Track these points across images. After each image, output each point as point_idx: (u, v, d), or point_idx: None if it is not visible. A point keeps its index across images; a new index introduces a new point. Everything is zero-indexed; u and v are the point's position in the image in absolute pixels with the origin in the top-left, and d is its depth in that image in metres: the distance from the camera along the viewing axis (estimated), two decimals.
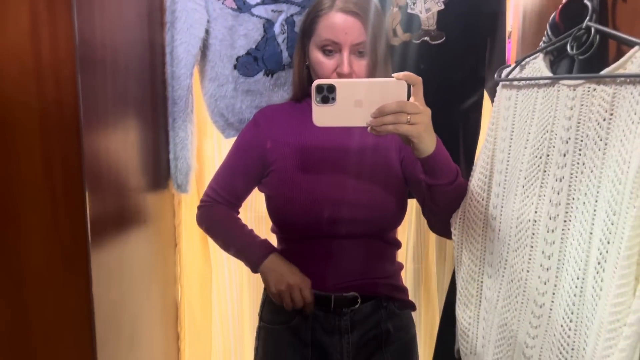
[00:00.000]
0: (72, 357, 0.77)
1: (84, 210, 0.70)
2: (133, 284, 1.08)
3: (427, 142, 0.93)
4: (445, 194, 1.04)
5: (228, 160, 1.22)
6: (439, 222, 1.11)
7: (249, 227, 1.21)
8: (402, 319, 1.18)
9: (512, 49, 1.39)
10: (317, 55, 1.08)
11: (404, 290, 1.21)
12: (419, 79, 0.91)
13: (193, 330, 1.76)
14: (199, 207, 1.25)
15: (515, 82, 1.00)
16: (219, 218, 1.22)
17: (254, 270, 1.14)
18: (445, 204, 1.07)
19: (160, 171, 1.30)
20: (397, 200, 1.13)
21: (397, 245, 1.21)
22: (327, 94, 0.92)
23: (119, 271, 0.96)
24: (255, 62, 1.31)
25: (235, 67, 1.31)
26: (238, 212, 1.25)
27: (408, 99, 0.92)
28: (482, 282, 1.06)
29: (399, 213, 1.15)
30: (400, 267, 1.23)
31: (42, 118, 0.68)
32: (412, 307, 1.22)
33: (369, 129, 0.91)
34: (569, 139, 0.87)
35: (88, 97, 0.72)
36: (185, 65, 1.27)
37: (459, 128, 1.36)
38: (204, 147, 1.63)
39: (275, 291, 1.09)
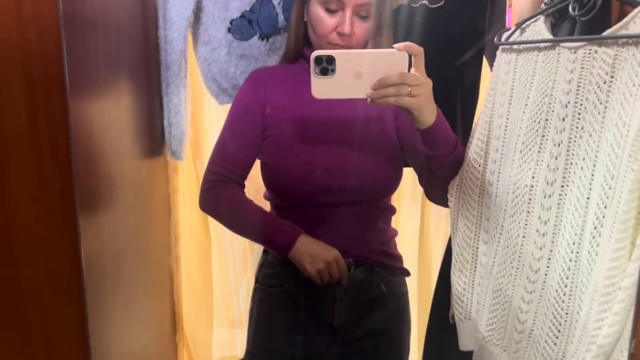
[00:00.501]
0: (64, 320, 0.77)
1: (71, 170, 0.69)
2: (128, 251, 1.08)
3: (428, 113, 0.92)
4: (444, 164, 1.03)
5: (229, 129, 1.14)
6: (437, 191, 1.11)
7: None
8: (395, 285, 1.19)
9: (512, 17, 1.37)
10: (318, 11, 1.05)
11: (398, 257, 1.21)
12: (421, 50, 0.89)
13: (192, 298, 1.78)
14: (206, 189, 1.14)
15: (515, 46, 0.98)
16: (233, 203, 1.13)
17: (283, 254, 1.09)
18: (443, 174, 1.06)
19: (154, 137, 1.28)
20: (392, 169, 1.13)
21: (392, 211, 1.21)
22: (327, 66, 0.90)
23: (112, 237, 0.96)
24: (250, 25, 1.27)
25: (229, 30, 1.28)
26: (244, 182, 1.18)
27: (409, 70, 0.90)
28: (477, 248, 1.06)
29: (395, 181, 1.15)
30: (394, 233, 1.23)
31: (25, 70, 0.65)
32: (405, 273, 1.22)
33: (369, 100, 0.89)
34: (569, 102, 0.86)
35: (76, 54, 0.70)
36: (178, 28, 1.24)
37: (457, 94, 1.34)
38: (200, 114, 1.61)
39: (314, 272, 1.06)
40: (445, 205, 1.13)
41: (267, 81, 1.15)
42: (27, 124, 0.68)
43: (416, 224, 1.77)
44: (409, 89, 0.87)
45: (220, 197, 1.13)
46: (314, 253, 1.07)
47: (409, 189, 1.78)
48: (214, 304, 1.81)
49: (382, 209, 1.18)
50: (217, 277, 1.81)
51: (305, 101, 1.11)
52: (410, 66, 0.90)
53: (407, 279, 1.24)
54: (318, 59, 0.90)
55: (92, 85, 0.83)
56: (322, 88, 0.91)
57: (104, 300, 0.91)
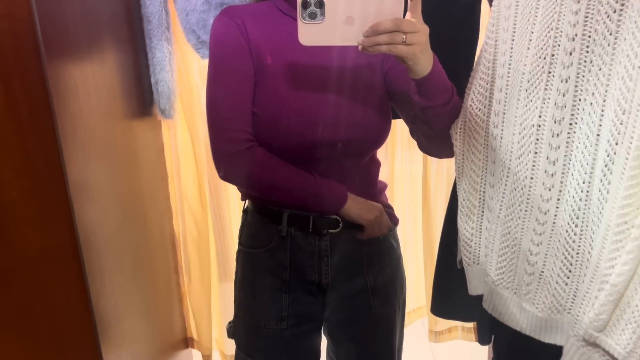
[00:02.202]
0: (65, 294, 0.75)
1: (56, 139, 0.65)
2: (128, 216, 1.06)
3: (423, 63, 0.87)
4: (440, 115, 0.98)
5: (224, 82, 1.01)
6: (433, 143, 1.06)
7: None
8: (385, 241, 1.15)
9: None
10: None
11: (387, 211, 1.15)
12: None
13: (196, 263, 1.77)
14: (229, 159, 1.01)
15: None
16: (269, 167, 1.02)
17: (334, 211, 1.05)
18: (439, 125, 1.01)
19: (143, 97, 1.24)
20: (382, 120, 1.07)
21: (378, 165, 1.16)
22: (315, 9, 0.84)
23: (110, 204, 0.93)
24: None
25: None
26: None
27: (404, 15, 0.84)
28: (484, 192, 1.03)
29: (383, 132, 1.09)
30: (383, 186, 1.18)
31: None
32: (395, 224, 1.18)
33: (360, 48, 0.84)
34: (576, 35, 0.81)
35: (49, 14, 0.65)
36: None
37: (455, 34, 1.28)
38: (189, 69, 1.55)
39: (372, 218, 1.06)
40: (441, 156, 1.10)
41: (245, 20, 1.02)
42: (2, 94, 0.63)
43: (418, 171, 1.74)
44: (404, 37, 0.82)
45: (252, 165, 1.02)
46: (363, 203, 1.07)
47: (406, 137, 1.75)
48: (211, 264, 1.80)
49: (369, 162, 1.12)
50: (216, 235, 1.80)
51: (285, 46, 1.02)
52: (406, 11, 0.85)
53: (412, 224, 1.22)
54: (305, 3, 0.83)
55: (71, 47, 0.78)
56: (309, 34, 0.86)
57: (108, 268, 0.90)
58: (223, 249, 1.76)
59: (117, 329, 0.94)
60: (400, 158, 1.75)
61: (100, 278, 0.86)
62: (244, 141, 1.00)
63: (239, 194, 1.17)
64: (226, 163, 1.02)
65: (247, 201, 1.17)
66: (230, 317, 1.20)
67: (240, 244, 1.17)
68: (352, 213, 1.06)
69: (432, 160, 1.68)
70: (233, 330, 1.19)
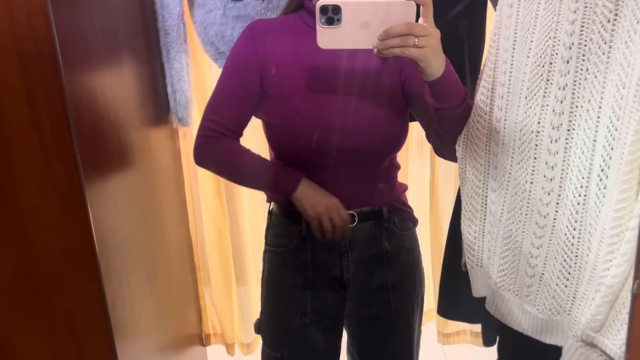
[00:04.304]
0: (83, 297, 0.79)
1: (73, 149, 0.70)
2: (143, 221, 1.11)
3: (435, 65, 0.90)
4: (452, 117, 1.02)
5: (224, 84, 1.11)
6: (446, 146, 1.09)
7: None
8: (405, 239, 1.19)
9: None
10: None
11: (407, 211, 1.21)
12: (429, 0, 0.87)
13: (212, 264, 1.82)
14: (200, 144, 1.12)
15: None
16: (231, 153, 1.12)
17: (286, 198, 1.10)
18: (452, 127, 1.05)
19: (160, 106, 1.29)
20: (399, 125, 1.11)
21: (397, 167, 1.20)
22: (332, 15, 0.88)
23: (126, 209, 0.98)
24: None
25: None
26: (241, 134, 1.16)
27: (417, 20, 0.88)
28: (486, 196, 1.06)
29: (401, 138, 1.13)
30: (403, 188, 1.22)
31: (19, 55, 0.66)
32: (414, 224, 1.23)
33: (375, 51, 0.88)
34: (572, 44, 0.84)
35: (69, 32, 0.70)
36: None
37: (463, 42, 1.31)
38: (203, 78, 1.61)
39: (314, 214, 1.07)
40: (455, 160, 1.13)
41: (266, 35, 1.10)
42: (26, 109, 0.69)
43: (426, 175, 1.77)
44: (416, 40, 0.86)
45: (216, 151, 1.12)
46: (316, 196, 1.08)
47: (415, 140, 1.78)
48: (232, 265, 1.86)
49: (388, 167, 1.17)
50: (234, 239, 1.85)
51: (307, 57, 1.08)
52: (418, 16, 0.89)
53: (419, 229, 1.25)
54: (324, 9, 0.88)
55: (91, 61, 0.83)
56: (327, 38, 0.90)
57: (125, 270, 0.94)
58: (238, 253, 1.82)
59: (133, 328, 0.98)
60: (410, 163, 1.78)
61: (117, 279, 0.91)
62: (215, 131, 1.10)
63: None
64: (195, 150, 1.14)
65: (272, 203, 1.22)
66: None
67: (266, 243, 1.23)
68: (300, 202, 1.08)
69: (440, 165, 1.71)
70: (259, 327, 1.24)
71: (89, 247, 0.75)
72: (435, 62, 0.90)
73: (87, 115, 0.79)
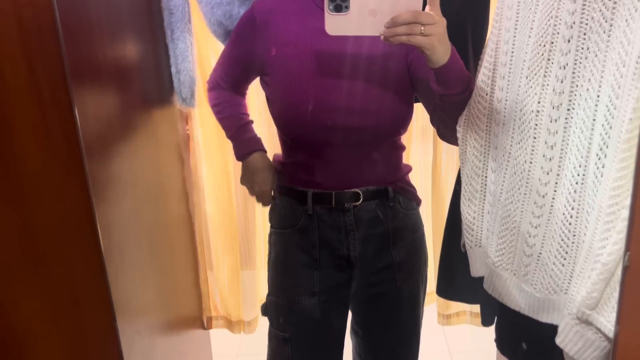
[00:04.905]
0: (83, 265, 0.81)
1: (73, 117, 0.71)
2: (148, 197, 1.12)
3: (441, 53, 0.91)
4: (457, 103, 1.03)
5: (227, 49, 1.22)
6: (450, 130, 1.11)
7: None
8: (409, 219, 1.21)
9: None
10: None
11: (411, 191, 1.22)
12: None
13: (216, 245, 1.84)
14: (207, 89, 1.30)
15: None
16: (218, 102, 1.26)
17: (238, 160, 1.26)
18: (456, 113, 1.06)
19: (163, 86, 1.29)
20: (404, 107, 1.12)
21: (402, 148, 1.22)
22: (340, 2, 0.90)
23: (130, 184, 0.99)
24: None
25: None
26: (244, 94, 1.29)
27: (424, 8, 0.89)
28: (486, 177, 1.07)
29: (406, 120, 1.14)
30: (407, 169, 1.23)
31: (19, 22, 0.66)
32: (418, 205, 1.24)
33: (382, 38, 0.89)
34: (574, 23, 0.84)
35: (70, 2, 0.71)
36: None
37: (467, 24, 1.31)
38: (205, 59, 1.62)
39: (241, 183, 1.27)
40: (457, 144, 1.13)
41: (271, 14, 1.12)
42: (25, 75, 0.70)
43: (428, 160, 1.78)
44: (422, 28, 0.87)
45: (210, 99, 1.28)
46: (252, 172, 1.23)
47: (419, 125, 1.78)
48: (239, 247, 1.87)
49: (393, 148, 1.18)
50: (240, 221, 1.86)
51: (312, 36, 1.09)
52: (425, 4, 0.89)
53: (422, 212, 1.26)
54: None
55: (93, 34, 0.84)
56: (335, 25, 0.92)
57: (128, 246, 0.95)
58: (244, 235, 1.84)
59: (135, 304, 1.00)
60: (411, 148, 1.79)
61: (119, 254, 0.92)
62: (213, 82, 1.27)
63: None
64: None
65: (275, 187, 1.24)
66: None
67: (272, 226, 1.25)
68: (242, 170, 1.26)
69: (442, 151, 1.72)
70: (266, 309, 1.26)
71: (89, 216, 0.77)
72: (440, 49, 0.91)
73: (89, 86, 0.80)
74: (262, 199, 1.25)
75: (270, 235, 1.25)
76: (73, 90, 0.71)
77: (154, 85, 1.22)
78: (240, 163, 1.27)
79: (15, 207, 0.76)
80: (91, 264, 0.80)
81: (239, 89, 1.27)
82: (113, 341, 0.85)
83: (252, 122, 1.28)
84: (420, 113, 1.77)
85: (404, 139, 1.22)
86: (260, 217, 1.87)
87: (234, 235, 1.85)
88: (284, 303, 1.20)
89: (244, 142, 1.25)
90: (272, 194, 1.24)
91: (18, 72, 0.70)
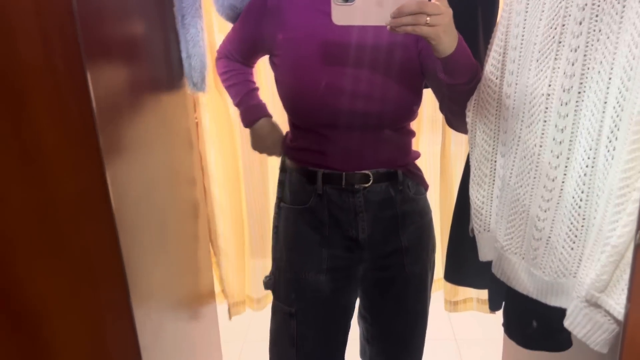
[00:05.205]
0: (99, 242, 0.82)
1: (88, 92, 0.72)
2: (156, 182, 1.13)
3: (446, 43, 0.92)
4: (463, 92, 1.04)
5: (237, 25, 1.25)
6: (458, 119, 1.11)
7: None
8: (418, 203, 1.21)
9: None
10: None
11: (420, 176, 1.23)
12: None
13: (224, 230, 1.86)
14: (216, 58, 1.35)
15: None
16: (226, 70, 1.30)
17: (245, 126, 1.31)
18: (463, 102, 1.07)
19: (172, 71, 1.30)
20: (412, 95, 1.12)
21: (412, 134, 1.22)
22: None
23: (141, 165, 1.00)
24: None
25: None
26: (252, 66, 1.33)
27: None
28: (495, 161, 1.07)
29: (414, 107, 1.15)
30: (416, 155, 1.24)
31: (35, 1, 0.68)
32: (425, 190, 1.25)
33: (388, 28, 0.90)
34: (586, 5, 0.84)
35: None
36: None
37: (476, 9, 1.30)
38: (213, 44, 1.62)
39: (252, 146, 1.33)
40: (467, 132, 1.13)
41: None
42: (41, 52, 0.71)
43: (437, 150, 1.78)
44: (428, 19, 0.88)
45: (219, 65, 1.33)
46: (261, 137, 1.29)
47: (429, 115, 1.78)
48: (247, 232, 1.89)
49: (403, 133, 1.18)
50: (248, 206, 1.88)
51: (323, 20, 1.08)
52: None
53: (430, 200, 1.26)
54: None
55: (105, 14, 0.85)
56: (342, 14, 0.93)
57: (138, 228, 0.96)
58: (253, 220, 1.86)
59: (146, 286, 1.01)
60: (420, 136, 1.79)
61: (130, 236, 0.93)
62: (220, 53, 1.33)
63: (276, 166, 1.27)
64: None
65: (285, 160, 1.25)
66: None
67: (282, 200, 1.26)
68: (251, 137, 1.31)
69: (451, 141, 1.72)
70: (272, 283, 1.27)
71: (103, 193, 0.78)
72: (446, 40, 0.91)
73: (102, 63, 0.80)
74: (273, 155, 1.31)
75: (280, 209, 1.26)
76: (88, 66, 0.71)
77: (163, 70, 1.22)
78: (248, 147, 1.29)
79: (32, 183, 0.77)
80: (105, 239, 0.81)
81: (247, 62, 1.30)
82: (128, 319, 0.86)
83: (257, 89, 1.32)
84: (430, 102, 1.78)
85: (414, 126, 1.22)
86: (270, 201, 1.88)
87: (242, 220, 1.86)
88: (292, 277, 1.21)
89: (249, 110, 1.29)
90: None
91: (34, 48, 0.71)
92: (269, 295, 2.02)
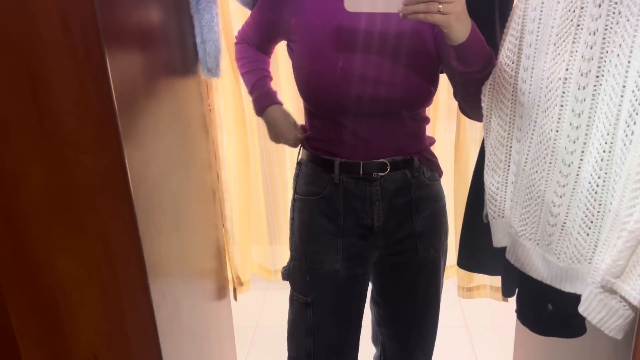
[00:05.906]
0: (117, 222, 0.83)
1: (107, 74, 0.73)
2: (171, 166, 1.14)
3: (459, 31, 0.92)
4: (476, 80, 1.04)
5: (255, 11, 1.26)
6: (471, 107, 1.11)
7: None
8: (432, 189, 1.21)
9: None
10: None
11: (435, 162, 1.23)
12: None
13: (234, 215, 1.87)
14: (235, 43, 1.36)
15: None
16: (243, 56, 1.31)
17: (257, 114, 1.31)
18: (476, 89, 1.06)
19: (187, 56, 1.30)
20: (428, 80, 1.12)
21: (426, 121, 1.22)
22: None
23: (157, 149, 1.01)
24: None
25: None
26: (269, 54, 1.33)
27: None
28: (510, 147, 1.06)
29: (430, 92, 1.15)
30: (431, 141, 1.24)
31: None
32: (440, 176, 1.24)
33: (400, 15, 0.91)
34: None
35: None
36: None
37: None
38: (228, 29, 1.62)
39: (269, 137, 1.32)
40: (479, 120, 1.13)
41: None
42: (61, 33, 0.72)
43: (451, 138, 1.77)
44: (440, 6, 0.88)
45: (236, 53, 1.34)
46: (274, 125, 1.27)
47: (444, 103, 1.77)
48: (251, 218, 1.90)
49: (419, 119, 1.18)
50: (258, 194, 1.89)
51: (340, 5, 1.09)
52: None
53: (444, 187, 1.26)
54: None
55: (122, 2, 0.85)
56: (354, 1, 0.93)
57: (153, 211, 0.97)
58: (266, 207, 1.87)
59: (161, 268, 1.02)
60: (435, 124, 1.78)
61: (146, 219, 0.94)
62: (239, 38, 1.34)
63: (290, 154, 1.27)
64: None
65: (301, 153, 1.26)
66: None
67: (296, 192, 1.27)
68: (266, 126, 1.30)
69: (466, 128, 1.71)
70: (288, 273, 1.28)
71: (121, 173, 0.79)
72: (458, 28, 0.92)
73: (120, 48, 0.81)
74: (291, 145, 1.30)
75: (294, 201, 1.27)
76: (107, 51, 0.72)
77: (178, 55, 1.23)
78: (261, 133, 1.29)
79: (52, 164, 0.79)
80: (124, 222, 0.83)
81: (265, 49, 1.30)
82: (145, 298, 0.87)
83: (271, 78, 1.32)
84: (445, 90, 1.77)
85: (429, 113, 1.22)
86: (280, 188, 1.89)
87: (249, 205, 1.87)
88: (307, 268, 1.22)
89: (259, 98, 1.29)
90: (300, 136, 1.27)
91: (54, 30, 0.72)
92: (278, 280, 2.04)
